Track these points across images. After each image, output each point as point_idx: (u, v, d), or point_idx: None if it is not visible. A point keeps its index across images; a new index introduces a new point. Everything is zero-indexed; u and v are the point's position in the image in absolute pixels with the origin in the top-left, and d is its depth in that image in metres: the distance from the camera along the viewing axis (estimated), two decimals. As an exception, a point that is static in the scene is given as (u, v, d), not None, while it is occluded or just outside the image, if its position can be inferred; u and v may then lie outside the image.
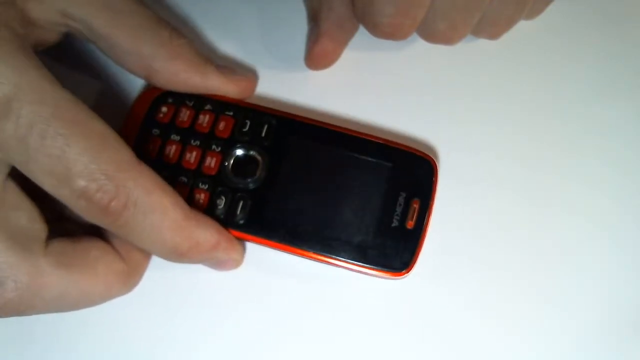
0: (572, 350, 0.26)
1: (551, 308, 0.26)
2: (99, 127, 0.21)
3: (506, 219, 0.27)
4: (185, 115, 0.27)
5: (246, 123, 0.27)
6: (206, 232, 0.24)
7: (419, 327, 0.26)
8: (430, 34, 0.25)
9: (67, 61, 0.29)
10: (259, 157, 0.26)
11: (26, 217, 0.21)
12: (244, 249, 0.26)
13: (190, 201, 0.26)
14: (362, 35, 0.27)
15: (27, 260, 0.20)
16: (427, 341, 0.26)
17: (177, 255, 0.23)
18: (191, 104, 0.27)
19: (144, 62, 0.25)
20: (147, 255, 0.25)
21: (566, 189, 0.28)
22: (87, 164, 0.20)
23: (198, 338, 0.26)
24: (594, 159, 0.28)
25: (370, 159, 0.26)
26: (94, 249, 0.23)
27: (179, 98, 0.27)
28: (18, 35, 0.21)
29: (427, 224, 0.25)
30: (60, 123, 0.20)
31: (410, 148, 0.26)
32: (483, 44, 0.28)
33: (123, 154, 0.22)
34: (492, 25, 0.25)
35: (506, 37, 0.26)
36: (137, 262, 0.24)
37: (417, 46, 0.28)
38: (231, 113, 0.27)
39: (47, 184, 0.21)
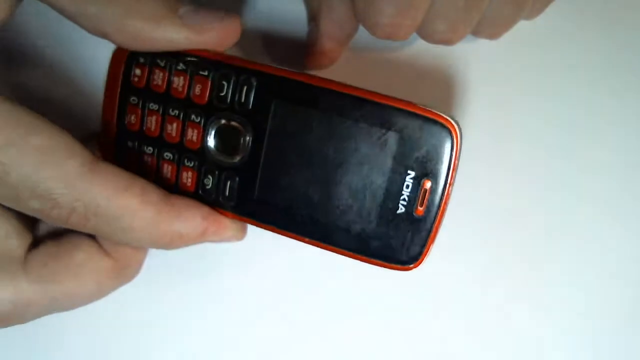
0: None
1: (561, 301, 0.27)
2: (39, 142, 0.19)
3: (518, 208, 0.27)
4: (159, 78, 0.23)
5: (223, 85, 0.22)
6: (188, 222, 0.22)
7: (425, 315, 0.26)
8: (430, 34, 0.24)
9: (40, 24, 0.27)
10: (241, 128, 0.22)
11: (1, 235, 0.21)
12: (241, 224, 0.24)
13: (179, 181, 0.24)
14: (362, 35, 0.26)
15: (7, 283, 0.21)
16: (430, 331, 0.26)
17: (162, 247, 0.22)
18: (163, 63, 0.23)
19: (93, 25, 0.21)
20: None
21: (573, 182, 0.27)
22: (33, 189, 0.19)
23: (199, 331, 0.27)
24: (592, 158, 0.27)
25: (371, 125, 0.20)
26: (77, 252, 0.22)
27: (150, 57, 0.23)
28: None
29: (442, 210, 0.20)
30: None
31: (424, 109, 0.20)
32: (483, 44, 0.27)
33: (70, 165, 0.20)
34: (491, 25, 0.24)
35: (506, 37, 0.25)
36: (126, 256, 0.23)
37: (417, 46, 0.27)
38: (206, 73, 0.22)
39: (5, 204, 0.20)
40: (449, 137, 0.20)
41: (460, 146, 0.20)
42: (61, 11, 0.21)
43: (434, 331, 0.27)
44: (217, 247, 0.26)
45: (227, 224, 0.23)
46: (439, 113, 0.20)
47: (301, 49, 0.27)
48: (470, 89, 0.27)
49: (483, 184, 0.27)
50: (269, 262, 0.27)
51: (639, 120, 0.27)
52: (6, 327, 0.22)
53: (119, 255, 0.23)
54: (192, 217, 0.22)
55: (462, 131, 0.20)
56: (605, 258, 0.27)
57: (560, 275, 0.27)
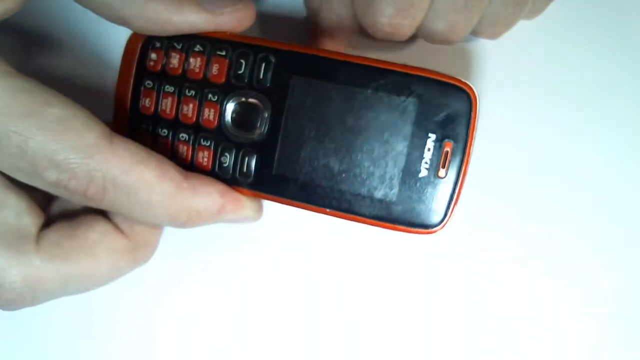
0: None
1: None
2: (57, 113, 0.19)
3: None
4: (175, 60, 0.23)
5: (241, 64, 0.23)
6: (206, 199, 0.22)
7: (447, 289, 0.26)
8: (430, 34, 0.24)
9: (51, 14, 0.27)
10: (260, 104, 0.23)
11: (13, 213, 0.21)
12: (259, 203, 0.24)
13: (194, 161, 0.23)
14: (362, 35, 0.26)
15: (19, 260, 0.20)
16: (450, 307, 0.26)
17: (179, 225, 0.22)
18: (179, 46, 0.23)
19: (114, 11, 0.22)
20: (155, 226, 0.23)
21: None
22: (51, 157, 0.19)
23: (211, 308, 0.26)
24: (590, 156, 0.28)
25: (390, 93, 0.21)
26: (92, 232, 0.22)
27: (167, 40, 0.23)
28: None
29: (464, 171, 0.21)
30: (12, 120, 0.19)
31: (440, 75, 0.21)
32: (483, 43, 0.27)
33: (88, 136, 0.20)
34: (491, 25, 0.24)
35: (506, 37, 0.25)
36: (143, 235, 0.23)
37: (417, 46, 0.28)
38: (223, 53, 0.23)
39: (21, 178, 0.20)
40: (468, 99, 0.20)
41: (478, 107, 0.20)
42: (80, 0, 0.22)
43: (456, 299, 0.27)
44: (233, 228, 0.26)
45: (245, 202, 0.23)
46: (456, 77, 0.21)
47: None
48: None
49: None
50: (285, 241, 0.27)
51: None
52: (18, 308, 0.21)
53: (135, 235, 0.23)
54: (209, 193, 0.22)
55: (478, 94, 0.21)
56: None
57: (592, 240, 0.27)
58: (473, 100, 0.20)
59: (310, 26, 0.27)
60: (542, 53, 0.28)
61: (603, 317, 0.26)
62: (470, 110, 0.20)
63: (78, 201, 0.21)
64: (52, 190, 0.20)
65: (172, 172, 0.21)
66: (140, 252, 0.23)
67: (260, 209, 0.24)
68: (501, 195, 0.27)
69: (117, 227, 0.23)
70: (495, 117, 0.27)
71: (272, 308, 0.27)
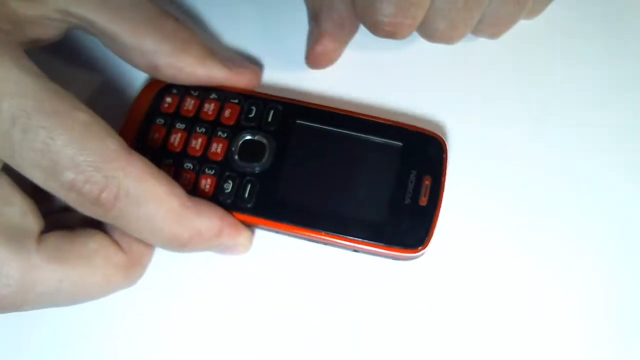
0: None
1: (571, 292, 0.26)
2: (84, 117, 0.20)
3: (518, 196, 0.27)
4: (190, 104, 0.27)
5: (252, 109, 0.27)
6: (207, 220, 0.23)
7: (432, 313, 0.26)
8: (431, 34, 0.25)
9: (71, 53, 0.29)
10: (265, 142, 0.26)
11: (19, 211, 0.21)
12: (251, 233, 0.25)
13: (196, 187, 0.25)
14: (362, 34, 0.27)
15: (19, 255, 0.20)
16: (436, 330, 0.25)
17: (179, 245, 0.22)
18: (196, 93, 0.27)
19: (147, 58, 0.25)
20: (149, 246, 0.24)
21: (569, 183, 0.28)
22: (73, 157, 0.20)
23: (202, 333, 0.25)
24: (587, 158, 0.28)
25: (378, 139, 0.26)
26: (91, 241, 0.22)
27: (184, 88, 0.27)
28: (1, 30, 0.21)
29: (440, 199, 0.25)
30: (42, 116, 0.20)
31: (419, 128, 0.26)
32: (483, 43, 0.28)
33: (110, 143, 0.21)
34: (492, 25, 0.25)
35: (506, 37, 0.26)
36: (139, 253, 0.23)
37: (418, 45, 0.28)
38: (236, 101, 0.27)
39: (36, 178, 0.20)
40: (440, 145, 0.26)
41: (448, 152, 0.26)
42: (115, 43, 0.25)
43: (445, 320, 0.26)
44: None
45: (242, 228, 0.25)
46: (431, 130, 0.26)
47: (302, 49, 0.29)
48: (470, 88, 0.29)
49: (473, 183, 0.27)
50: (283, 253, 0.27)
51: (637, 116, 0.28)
52: (6, 311, 0.20)
53: (132, 252, 0.23)
54: (210, 215, 0.23)
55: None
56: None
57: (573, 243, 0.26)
58: (444, 147, 0.26)
59: (311, 35, 0.28)
60: (542, 53, 0.28)
61: (603, 317, 0.25)
62: (442, 154, 0.26)
63: (85, 209, 0.21)
64: (63, 195, 0.20)
65: (179, 190, 0.23)
66: (133, 269, 0.23)
67: (251, 239, 0.26)
68: (501, 195, 0.27)
69: (115, 241, 0.23)
70: (495, 117, 0.28)
71: (269, 318, 0.26)
